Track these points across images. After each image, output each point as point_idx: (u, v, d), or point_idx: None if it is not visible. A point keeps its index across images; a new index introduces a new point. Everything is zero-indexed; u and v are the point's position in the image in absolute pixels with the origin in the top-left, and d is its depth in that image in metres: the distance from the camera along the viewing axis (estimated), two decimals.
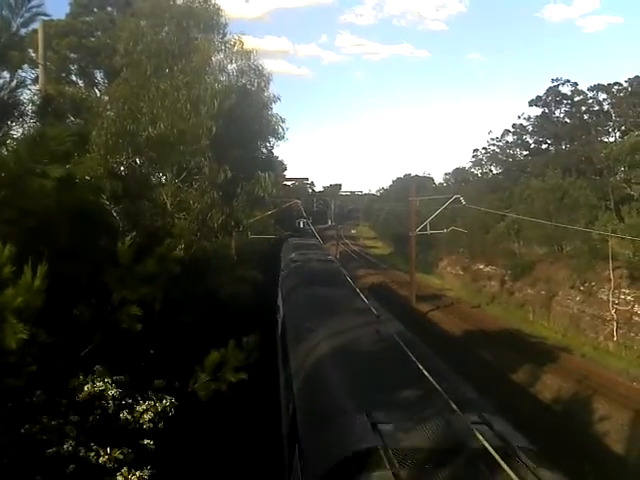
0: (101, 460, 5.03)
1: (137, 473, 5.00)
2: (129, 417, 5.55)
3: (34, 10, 5.56)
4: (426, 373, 9.04)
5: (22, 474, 4.83)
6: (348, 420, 7.99)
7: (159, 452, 5.54)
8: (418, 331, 17.45)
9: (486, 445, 6.56)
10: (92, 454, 5.05)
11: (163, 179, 21.07)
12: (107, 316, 5.77)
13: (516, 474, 6.06)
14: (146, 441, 5.46)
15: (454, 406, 7.85)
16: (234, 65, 22.74)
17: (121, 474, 4.99)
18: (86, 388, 5.48)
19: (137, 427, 5.56)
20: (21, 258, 4.72)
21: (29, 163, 5.51)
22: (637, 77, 55.96)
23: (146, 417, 5.60)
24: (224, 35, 22.55)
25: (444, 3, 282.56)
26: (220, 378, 6.02)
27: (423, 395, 8.61)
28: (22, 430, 4.98)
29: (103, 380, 5.58)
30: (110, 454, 5.08)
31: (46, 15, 5.77)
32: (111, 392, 5.54)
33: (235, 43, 22.35)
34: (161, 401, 5.81)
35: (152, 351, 9.38)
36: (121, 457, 5.09)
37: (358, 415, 7.95)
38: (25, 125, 8.77)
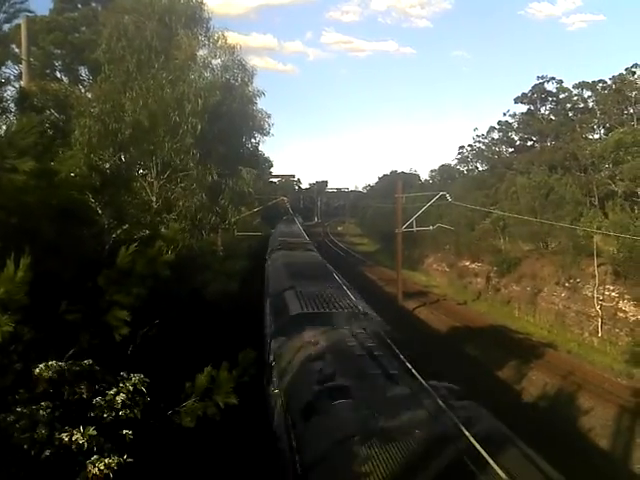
0: (74, 438, 4.96)
1: (106, 460, 4.93)
2: (102, 402, 5.48)
3: (17, 6, 5.46)
4: (414, 371, 9.07)
5: None
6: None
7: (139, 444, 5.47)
8: (405, 328, 17.47)
9: (472, 441, 6.59)
10: (65, 434, 4.98)
11: (148, 177, 20.94)
12: (96, 318, 5.71)
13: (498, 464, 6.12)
14: (125, 431, 5.39)
15: (439, 400, 7.89)
16: (218, 60, 22.66)
17: (91, 462, 4.92)
18: (38, 370, 5.38)
19: (113, 416, 5.49)
20: (4, 255, 4.66)
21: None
22: (621, 75, 56.31)
23: (118, 400, 5.53)
24: (207, 30, 22.44)
25: (429, 0, 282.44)
26: (209, 402, 5.91)
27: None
28: None
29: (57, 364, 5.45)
30: (84, 432, 5.01)
31: (29, 11, 5.68)
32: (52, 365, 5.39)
33: (219, 38, 22.24)
34: (130, 379, 5.73)
35: (137, 350, 9.31)
36: (95, 433, 5.02)
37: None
38: (8, 121, 8.69)
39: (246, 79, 23.33)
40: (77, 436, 4.95)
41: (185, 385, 5.92)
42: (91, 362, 5.68)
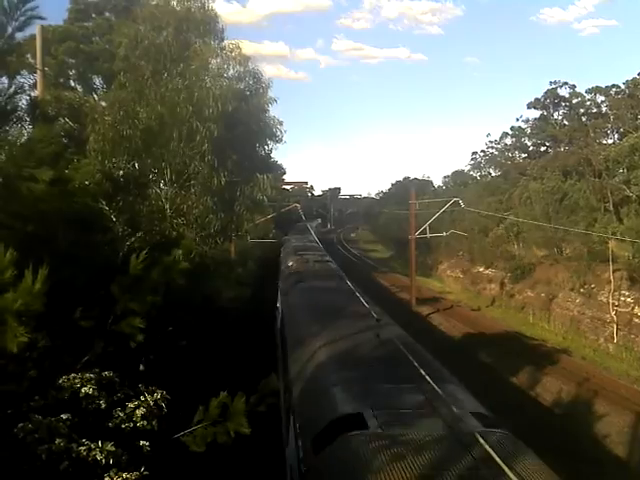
0: (92, 454, 4.97)
1: (124, 475, 4.93)
2: (122, 414, 5.50)
3: (29, 13, 5.51)
4: (427, 378, 9.02)
5: (15, 475, 4.80)
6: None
7: (156, 455, 5.47)
8: (418, 334, 17.39)
9: (490, 451, 6.56)
10: (84, 448, 4.99)
11: (161, 184, 21.03)
12: (110, 325, 5.74)
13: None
14: (142, 442, 5.40)
15: (455, 409, 7.84)
16: (232, 70, 22.74)
17: (108, 475, 4.92)
18: (64, 384, 5.41)
19: (131, 427, 5.50)
20: (21, 263, 4.70)
21: (18, 167, 5.46)
22: (635, 79, 56.00)
23: (138, 413, 5.54)
24: (222, 40, 22.56)
25: (440, 7, 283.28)
26: (220, 428, 5.86)
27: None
28: (14, 430, 4.95)
29: (81, 378, 5.49)
30: (102, 447, 5.02)
31: (41, 18, 5.72)
32: (85, 390, 5.43)
33: (233, 49, 22.33)
34: (152, 395, 5.73)
35: (151, 357, 9.36)
36: (113, 449, 5.03)
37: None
38: (24, 130, 8.76)
39: (261, 90, 23.40)
40: (95, 452, 4.97)
41: (198, 408, 5.88)
42: (111, 374, 5.72)
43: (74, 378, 5.49)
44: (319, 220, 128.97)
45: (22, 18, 5.56)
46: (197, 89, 20.09)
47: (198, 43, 21.50)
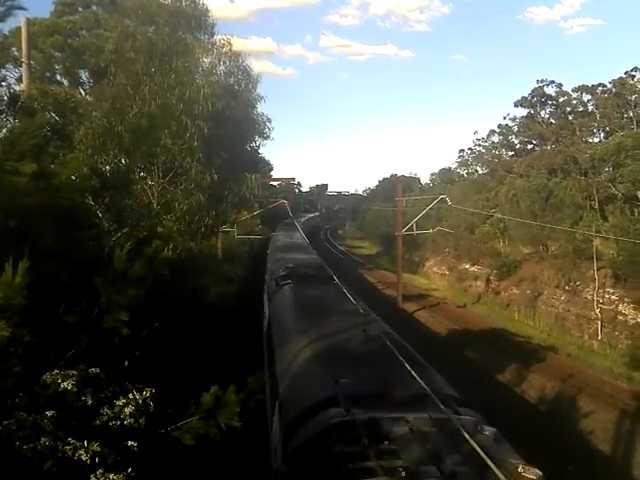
0: (78, 453, 4.92)
1: (111, 476, 4.89)
2: (109, 412, 5.45)
3: (9, 4, 5.46)
4: (413, 373, 9.06)
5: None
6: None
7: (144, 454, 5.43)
8: (404, 331, 17.41)
9: (466, 435, 6.65)
10: (69, 448, 4.94)
11: (149, 180, 20.92)
12: (94, 319, 5.69)
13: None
14: (130, 442, 5.36)
15: (441, 406, 7.89)
16: (222, 67, 22.61)
17: (95, 476, 4.87)
18: (47, 379, 5.36)
19: (119, 425, 5.45)
20: (2, 258, 4.66)
21: None
22: (621, 78, 56.34)
23: (127, 411, 5.50)
24: (212, 35, 22.42)
25: (428, 5, 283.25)
26: (211, 422, 5.83)
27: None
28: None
29: (64, 375, 5.43)
30: (87, 447, 4.97)
31: (22, 9, 5.66)
32: (64, 385, 5.37)
33: (224, 44, 22.20)
34: (140, 393, 5.70)
35: (137, 352, 9.30)
36: (99, 449, 4.98)
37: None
38: (9, 124, 8.68)
39: (250, 86, 23.28)
40: (81, 452, 4.92)
41: (190, 402, 5.85)
42: (98, 370, 5.67)
43: (57, 374, 5.43)
44: (316, 212, 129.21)
45: (2, 8, 5.50)
46: (188, 86, 19.96)
47: (189, 38, 21.36)
